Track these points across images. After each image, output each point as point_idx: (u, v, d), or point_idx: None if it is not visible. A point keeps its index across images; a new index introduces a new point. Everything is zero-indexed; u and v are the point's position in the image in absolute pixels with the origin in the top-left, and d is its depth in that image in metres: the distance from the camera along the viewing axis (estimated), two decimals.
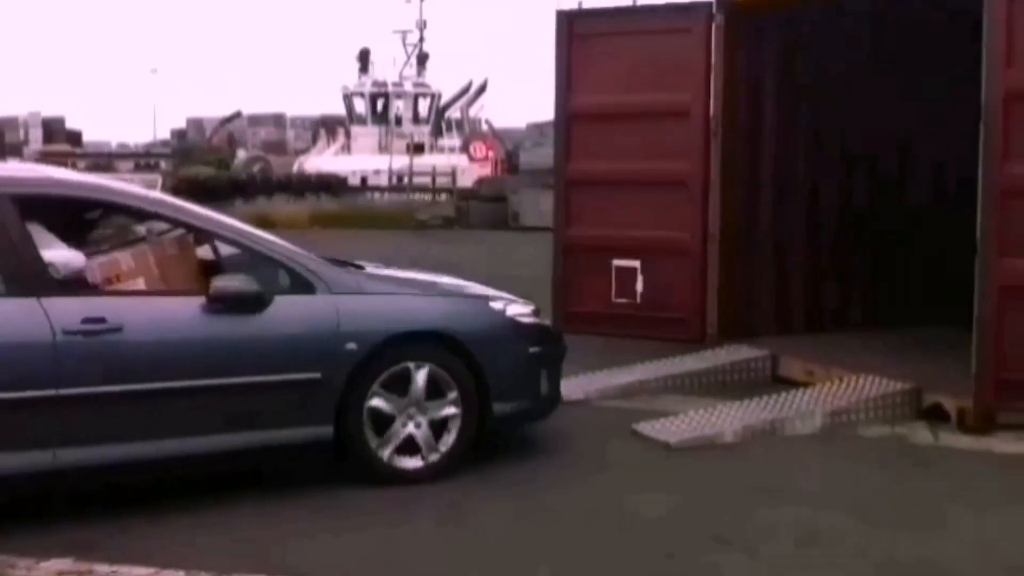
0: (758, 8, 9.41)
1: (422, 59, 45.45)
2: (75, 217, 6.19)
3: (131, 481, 5.61)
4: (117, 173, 33.60)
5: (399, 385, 5.95)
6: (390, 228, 24.77)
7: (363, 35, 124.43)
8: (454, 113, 46.14)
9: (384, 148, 40.89)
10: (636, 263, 9.67)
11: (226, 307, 5.61)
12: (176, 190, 22.01)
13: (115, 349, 5.34)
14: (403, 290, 6.35)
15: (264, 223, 6.54)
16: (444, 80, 47.21)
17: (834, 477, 6.39)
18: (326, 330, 5.79)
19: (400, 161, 37.55)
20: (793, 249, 9.86)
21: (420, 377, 5.97)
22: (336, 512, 5.61)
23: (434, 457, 6.03)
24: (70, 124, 54.86)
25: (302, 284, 5.84)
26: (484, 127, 46.68)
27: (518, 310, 6.57)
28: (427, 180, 33.85)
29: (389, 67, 45.08)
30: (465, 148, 42.16)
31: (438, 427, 6.05)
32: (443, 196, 31.71)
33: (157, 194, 6.35)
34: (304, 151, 47.66)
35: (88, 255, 5.78)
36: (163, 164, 43.07)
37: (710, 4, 9.39)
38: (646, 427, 7.17)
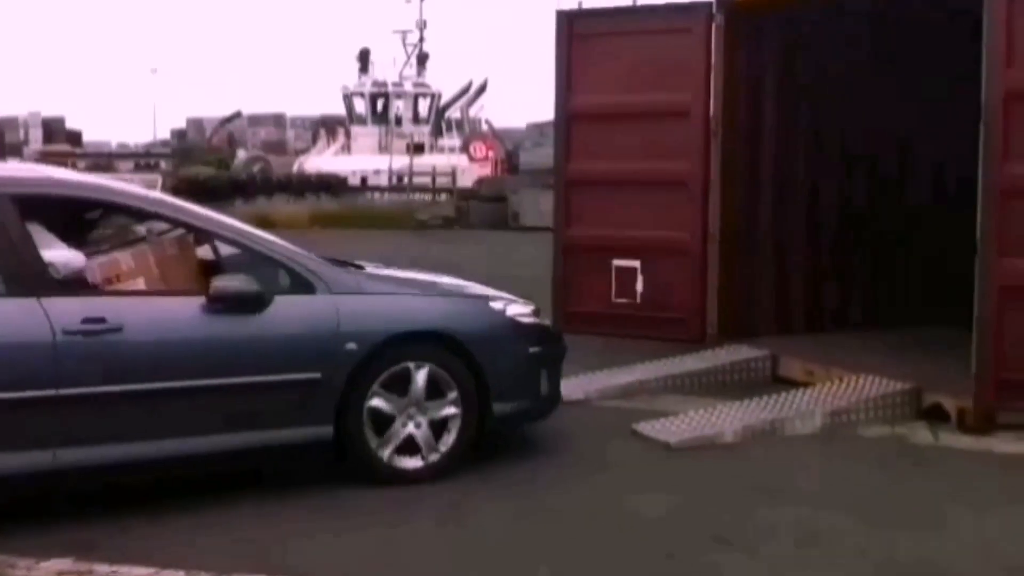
0: (758, 8, 9.41)
1: (422, 59, 45.46)
2: (75, 217, 6.19)
3: (131, 481, 5.61)
4: (117, 173, 33.59)
5: (399, 385, 5.94)
6: (390, 228, 24.77)
7: (363, 35, 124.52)
8: (454, 113, 46.14)
9: (384, 148, 40.89)
10: (636, 263, 9.67)
11: (226, 307, 5.61)
12: (176, 190, 22.01)
13: (115, 349, 5.34)
14: (403, 290, 6.34)
15: (264, 223, 6.53)
16: (444, 80, 47.24)
17: (834, 477, 6.39)
18: (326, 330, 5.79)
19: (400, 161, 37.56)
20: (793, 249, 9.86)
21: (420, 377, 5.97)
22: (336, 512, 5.61)
23: (434, 457, 6.03)
24: (70, 124, 54.89)
25: (302, 284, 5.84)
26: (484, 127, 46.68)
27: (518, 310, 6.57)
28: (427, 180, 33.85)
29: (389, 67, 45.12)
30: (465, 148, 42.15)
31: (438, 427, 6.04)
32: (443, 196, 31.72)
33: (157, 194, 6.36)
34: (304, 151, 47.65)
35: (88, 255, 5.78)
36: (163, 164, 43.07)
37: (710, 4, 9.39)
38: (646, 427, 7.16)
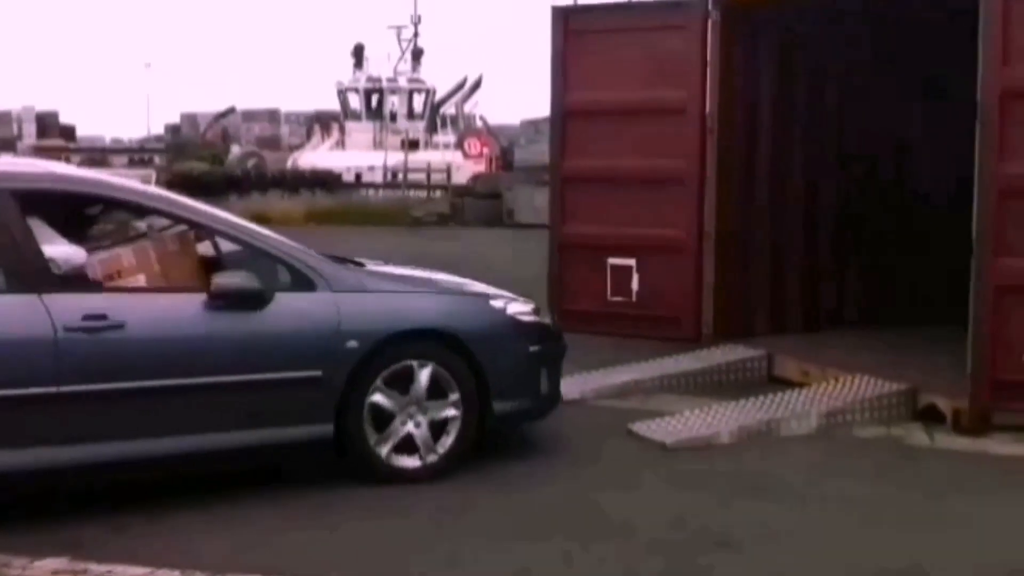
0: (754, 5, 9.39)
1: (417, 55, 45.36)
2: (76, 213, 6.17)
3: (129, 479, 5.58)
4: (111, 168, 33.51)
5: (401, 383, 5.93)
6: (385, 225, 24.74)
7: (358, 30, 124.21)
8: (449, 109, 46.04)
9: (379, 144, 40.81)
10: (632, 261, 9.65)
11: (227, 304, 5.59)
12: (170, 185, 21.90)
13: (116, 346, 5.32)
14: (404, 288, 6.33)
15: (259, 219, 6.45)
16: (439, 76, 47.29)
17: (830, 478, 6.37)
18: (327, 328, 5.77)
19: (395, 157, 37.49)
20: (789, 248, 9.84)
21: (423, 376, 5.96)
22: (332, 510, 5.59)
23: (432, 458, 6.02)
24: (64, 119, 54.67)
25: (303, 281, 5.82)
26: (479, 123, 46.60)
27: (518, 308, 6.56)
28: (422, 177, 33.81)
29: (384, 63, 44.97)
30: (460, 144, 42.08)
31: (437, 428, 6.03)
32: (438, 193, 31.68)
33: (159, 190, 6.34)
34: (298, 147, 47.51)
35: (89, 251, 5.76)
36: (157, 159, 42.90)
37: (706, 1, 9.36)
38: (642, 427, 7.15)
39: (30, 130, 50.62)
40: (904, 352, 8.61)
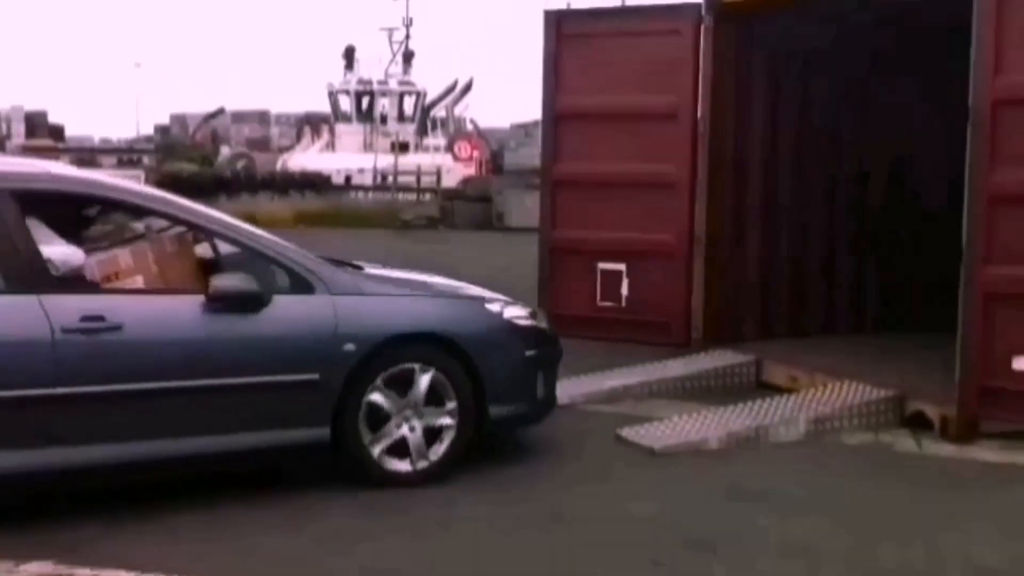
0: (747, 10, 9.40)
1: (408, 57, 45.42)
2: (74, 213, 6.15)
3: (123, 481, 5.55)
4: (100, 168, 33.42)
5: (401, 385, 5.92)
6: (374, 227, 24.72)
7: (349, 32, 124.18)
8: (439, 112, 46.12)
9: (369, 147, 40.84)
10: (622, 266, 9.64)
11: (225, 306, 5.58)
12: (159, 186, 21.81)
13: (114, 348, 5.30)
14: (401, 291, 6.31)
15: (248, 221, 6.40)
16: (430, 79, 47.25)
17: (818, 485, 6.37)
18: (324, 331, 5.75)
19: (385, 160, 37.49)
20: (780, 253, 9.85)
21: (423, 380, 5.96)
22: (323, 515, 5.56)
23: (423, 464, 6.00)
24: (53, 118, 54.51)
25: (301, 284, 5.81)
26: (469, 126, 46.66)
27: (515, 312, 6.55)
28: (412, 179, 33.80)
29: (375, 65, 45.07)
30: (450, 147, 42.13)
31: (431, 434, 6.02)
32: (427, 196, 31.68)
33: (157, 191, 6.30)
34: (288, 148, 47.52)
35: (87, 252, 5.75)
36: (146, 160, 42.81)
37: (699, 6, 9.37)
38: (631, 432, 7.14)
39: (19, 130, 50.43)
40: (892, 358, 8.63)
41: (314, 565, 4.97)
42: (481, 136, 44.68)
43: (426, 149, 42.31)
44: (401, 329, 5.98)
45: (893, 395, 7.63)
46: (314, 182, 32.51)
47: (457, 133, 44.76)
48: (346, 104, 44.58)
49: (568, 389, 8.00)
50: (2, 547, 4.84)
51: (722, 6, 9.30)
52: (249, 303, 5.61)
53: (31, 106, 53.39)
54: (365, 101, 44.09)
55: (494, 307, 6.49)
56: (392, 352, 5.90)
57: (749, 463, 6.73)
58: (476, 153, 41.42)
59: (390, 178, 35.55)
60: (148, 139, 58.64)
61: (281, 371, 5.68)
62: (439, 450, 6.04)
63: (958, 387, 7.17)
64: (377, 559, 5.06)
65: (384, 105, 44.32)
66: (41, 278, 5.30)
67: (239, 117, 57.99)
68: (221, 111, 55.82)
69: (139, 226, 6.21)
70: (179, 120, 60.01)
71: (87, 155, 43.33)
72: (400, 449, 5.96)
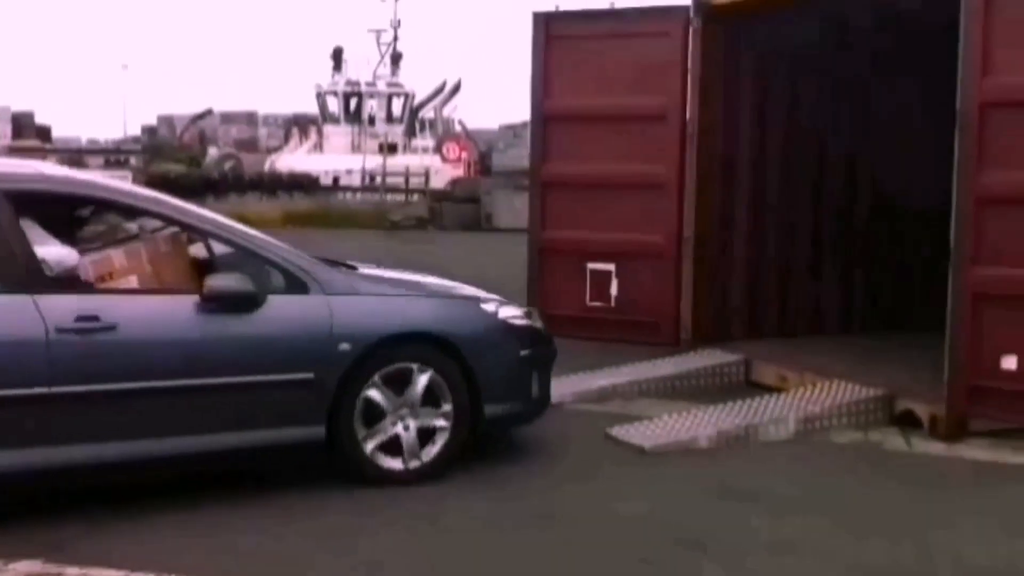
0: (736, 12, 9.43)
1: (396, 59, 45.40)
2: (68, 214, 6.14)
3: (116, 481, 5.54)
4: (87, 169, 33.32)
5: (398, 383, 5.94)
6: (363, 228, 24.70)
7: (337, 34, 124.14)
8: (427, 113, 46.10)
9: (357, 148, 40.79)
10: (611, 266, 9.66)
11: (220, 306, 5.58)
12: (147, 187, 21.79)
13: (108, 348, 5.30)
14: (396, 291, 6.32)
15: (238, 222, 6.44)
16: (418, 80, 47.22)
17: (807, 484, 6.40)
18: (319, 331, 5.76)
19: (373, 161, 37.46)
20: (768, 253, 9.88)
21: (421, 380, 5.97)
22: (311, 515, 5.56)
23: (414, 464, 6.01)
24: (40, 119, 54.31)
25: (296, 284, 5.81)
26: (457, 128, 46.65)
27: (510, 312, 6.57)
28: (400, 180, 33.77)
29: (363, 66, 45.03)
30: (438, 149, 42.12)
31: (425, 435, 6.03)
32: (416, 197, 31.67)
33: (152, 192, 6.30)
34: (276, 149, 47.44)
35: (81, 252, 5.74)
36: (133, 160, 42.70)
37: (688, 8, 9.40)
38: (620, 431, 7.16)
39: (5, 130, 50.24)
40: (881, 358, 8.66)
41: (303, 562, 4.97)
42: (469, 137, 44.68)
43: (414, 150, 42.29)
44: (396, 329, 5.99)
45: (882, 394, 7.66)
46: (302, 183, 32.49)
47: (445, 134, 44.75)
48: (334, 105, 44.54)
49: (558, 388, 7.99)
50: None
51: (710, 8, 9.33)
52: (244, 303, 5.62)
53: (18, 107, 53.16)
54: (353, 102, 44.05)
55: (489, 307, 6.50)
56: (387, 352, 5.91)
57: (739, 462, 6.75)
58: (464, 154, 41.42)
59: (378, 179, 35.54)
60: (135, 140, 58.47)
61: (276, 371, 5.69)
62: (431, 451, 6.05)
63: (947, 386, 7.21)
64: (367, 556, 5.06)
65: (372, 106, 44.28)
66: (35, 278, 5.30)
67: (227, 118, 57.85)
68: (209, 112, 55.69)
69: (133, 226, 6.20)
70: (167, 121, 59.83)
71: (74, 156, 43.20)
72: (393, 447, 5.97)
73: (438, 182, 34.00)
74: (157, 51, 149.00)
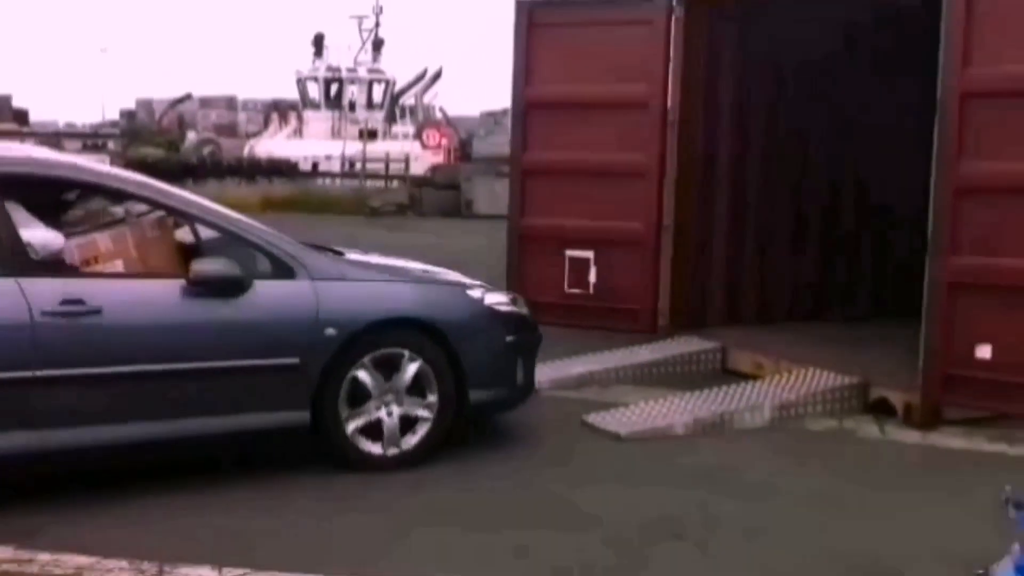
0: (718, 1, 9.42)
1: (377, 45, 45.15)
2: (54, 197, 6.11)
3: (97, 466, 5.52)
4: (64, 153, 33.07)
5: (387, 368, 5.95)
6: (342, 214, 24.62)
7: (318, 19, 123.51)
8: (408, 100, 45.89)
9: (337, 133, 40.62)
10: (590, 254, 9.66)
11: (206, 290, 5.57)
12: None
13: (93, 331, 5.29)
14: (382, 276, 6.33)
15: None
16: (399, 67, 47.05)
17: (782, 470, 6.44)
18: (305, 316, 5.76)
19: (353, 147, 37.32)
20: (747, 242, 9.91)
21: (410, 369, 5.99)
22: (288, 500, 5.57)
23: (393, 451, 6.03)
24: (17, 103, 53.90)
25: (282, 269, 5.81)
26: (438, 114, 46.50)
27: (496, 298, 6.59)
28: (380, 167, 33.66)
29: (344, 52, 44.75)
30: (419, 135, 41.99)
31: (406, 423, 6.03)
32: (396, 183, 31.57)
33: (138, 176, 6.28)
34: (255, 135, 47.16)
35: (67, 236, 5.72)
36: (111, 144, 42.41)
37: None
38: (597, 418, 7.18)
39: None
40: (857, 346, 8.71)
41: (277, 550, 4.97)
42: (450, 124, 44.55)
43: (395, 136, 42.11)
44: (382, 314, 6.00)
45: (857, 382, 7.71)
46: (281, 168, 32.32)
47: (426, 121, 44.58)
48: (314, 91, 44.29)
49: (536, 375, 8.03)
50: None
51: None
52: (230, 287, 5.61)
53: None
54: (334, 88, 43.81)
55: (475, 293, 6.51)
56: (373, 337, 5.92)
57: (714, 448, 6.79)
58: (445, 141, 41.29)
59: (358, 165, 35.41)
60: (113, 124, 58.05)
61: (262, 355, 5.69)
62: (411, 440, 6.07)
63: (921, 374, 7.27)
64: (344, 537, 5.06)
65: (353, 92, 44.04)
66: (21, 262, 5.29)
67: (206, 103, 57.50)
68: (188, 96, 55.36)
69: (119, 210, 6.18)
70: (145, 105, 59.46)
71: (51, 139, 42.90)
72: (374, 431, 5.98)
73: (418, 168, 33.87)
74: (136, 34, 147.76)
